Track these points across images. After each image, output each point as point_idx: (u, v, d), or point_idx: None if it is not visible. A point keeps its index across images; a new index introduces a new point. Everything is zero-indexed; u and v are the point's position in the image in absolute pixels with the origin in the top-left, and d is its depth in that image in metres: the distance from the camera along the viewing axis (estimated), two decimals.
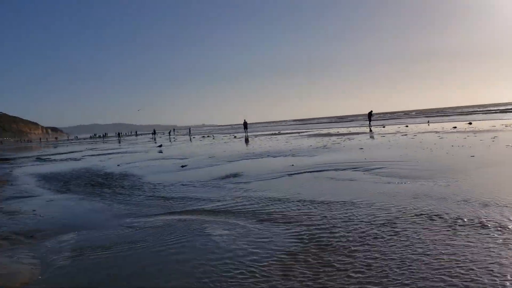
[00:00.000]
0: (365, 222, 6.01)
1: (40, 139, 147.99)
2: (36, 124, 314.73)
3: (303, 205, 7.39)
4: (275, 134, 43.45)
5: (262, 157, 17.15)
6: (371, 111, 45.09)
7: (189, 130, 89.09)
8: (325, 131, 39.90)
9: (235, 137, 43.13)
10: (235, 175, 12.02)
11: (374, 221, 6.01)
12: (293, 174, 11.55)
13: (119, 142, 56.97)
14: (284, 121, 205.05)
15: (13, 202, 10.05)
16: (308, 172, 11.66)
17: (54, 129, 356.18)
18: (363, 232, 5.52)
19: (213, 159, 17.70)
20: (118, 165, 18.66)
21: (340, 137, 27.36)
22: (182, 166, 15.72)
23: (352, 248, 4.91)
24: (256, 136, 41.53)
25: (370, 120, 44.23)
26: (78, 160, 24.60)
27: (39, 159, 28.36)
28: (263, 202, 7.91)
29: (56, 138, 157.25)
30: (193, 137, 53.50)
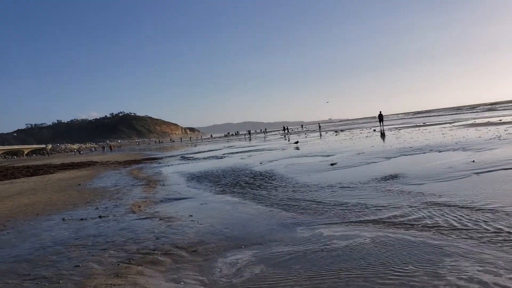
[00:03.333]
0: None
1: (181, 138, 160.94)
2: (176, 125, 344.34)
3: None
4: (418, 126, 39.45)
5: (424, 152, 14.73)
6: None
7: (319, 125, 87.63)
8: (478, 120, 34.76)
9: (374, 130, 40.28)
10: (395, 176, 10.07)
11: None
12: (481, 172, 9.17)
13: (250, 140, 57.97)
14: (405, 113, 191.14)
15: (168, 205, 9.55)
16: (503, 169, 9.16)
17: (192, 129, 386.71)
18: None
19: (364, 156, 15.80)
20: (260, 163, 17.91)
21: (509, 125, 23.05)
22: (331, 165, 14.16)
23: None
24: (396, 128, 38.17)
25: None
26: (220, 158, 24.72)
27: (183, 158, 29.46)
28: (464, 215, 5.90)
29: (190, 138, 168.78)
30: (325, 133, 51.73)
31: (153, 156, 35.90)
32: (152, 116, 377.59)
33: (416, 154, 14.61)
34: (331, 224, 6.33)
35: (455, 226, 5.52)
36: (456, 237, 5.09)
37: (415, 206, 6.82)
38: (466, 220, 5.72)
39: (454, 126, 30.78)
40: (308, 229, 6.17)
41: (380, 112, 43.55)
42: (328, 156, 17.78)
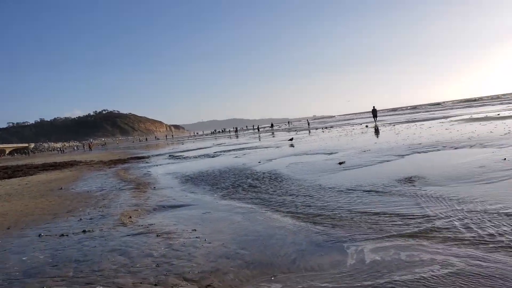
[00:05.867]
0: None
1: (166, 136, 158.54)
2: (161, 122, 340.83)
3: None
4: (411, 121, 38.55)
5: (438, 149, 13.57)
6: None
7: (308, 122, 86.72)
8: (475, 115, 33.91)
9: (367, 126, 39.24)
10: (422, 177, 8.88)
11: None
12: None
13: (237, 137, 56.60)
14: (400, 108, 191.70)
15: (164, 215, 8.16)
16: None
17: (177, 127, 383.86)
18: None
19: (372, 154, 14.59)
20: (259, 162, 16.59)
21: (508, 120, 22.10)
22: (340, 163, 12.92)
23: None
24: (390, 124, 37.18)
25: None
26: (213, 157, 23.31)
27: (172, 156, 27.95)
28: None
29: (172, 136, 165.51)
30: (315, 130, 50.58)
31: (139, 155, 34.24)
32: (136, 114, 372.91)
33: (430, 151, 13.46)
34: (374, 239, 5.05)
35: None
36: None
37: (466, 216, 5.58)
38: None
39: (452, 121, 29.86)
40: (350, 249, 4.87)
41: (374, 107, 42.60)
42: (331, 154, 16.55)
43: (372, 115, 43.03)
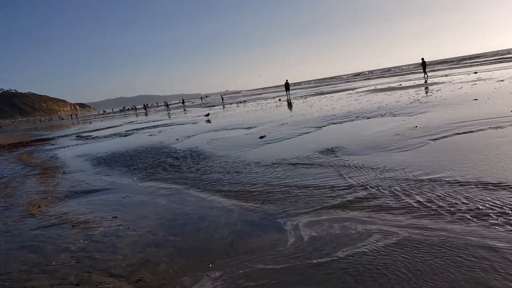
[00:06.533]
0: None
1: (71, 116, 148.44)
2: (64, 101, 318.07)
3: None
4: (319, 94, 39.93)
5: (351, 120, 14.05)
6: (423, 59, 38.37)
7: (221, 97, 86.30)
8: (379, 86, 35.95)
9: (280, 100, 39.86)
10: (342, 147, 9.08)
11: None
12: (437, 139, 8.47)
13: (146, 115, 54.72)
14: (306, 81, 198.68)
15: (78, 202, 7.41)
16: (456, 134, 8.56)
17: (82, 105, 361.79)
18: None
19: (290, 127, 14.70)
20: (176, 139, 15.98)
21: (415, 89, 23.65)
22: (261, 137, 12.82)
23: None
24: (302, 97, 38.14)
25: (424, 70, 38.04)
26: (125, 136, 22.09)
27: (80, 137, 26.06)
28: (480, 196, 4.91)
29: (76, 115, 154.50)
30: (230, 105, 50.44)
31: (43, 137, 31.47)
32: (36, 93, 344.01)
33: (344, 122, 13.88)
34: (310, 214, 4.94)
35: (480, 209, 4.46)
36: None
37: (392, 184, 5.70)
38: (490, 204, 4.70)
39: (359, 92, 31.34)
40: (287, 226, 4.70)
41: (287, 80, 43.31)
42: (250, 128, 16.44)
43: (285, 89, 43.76)
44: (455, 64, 74.46)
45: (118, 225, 5.62)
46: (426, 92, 20.67)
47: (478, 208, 4.44)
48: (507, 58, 61.60)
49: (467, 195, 4.88)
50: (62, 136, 29.69)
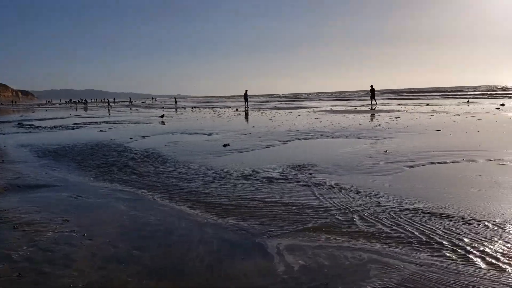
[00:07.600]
0: None
1: (12, 102, 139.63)
2: (6, 86, 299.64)
3: None
4: (275, 108, 39.89)
5: (316, 137, 13.74)
6: (372, 86, 38.97)
7: (175, 100, 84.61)
8: (335, 108, 36.40)
9: (237, 109, 39.38)
10: (306, 165, 8.62)
11: None
12: (411, 166, 8.25)
13: (85, 110, 52.40)
14: (254, 95, 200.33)
15: (20, 198, 6.44)
16: (431, 163, 8.40)
17: (25, 93, 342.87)
18: None
19: (254, 138, 14.16)
20: (130, 138, 15.01)
21: (373, 114, 23.98)
22: (224, 146, 12.21)
23: None
24: (260, 109, 37.87)
25: (373, 97, 38.47)
26: (73, 129, 20.67)
27: (22, 125, 24.18)
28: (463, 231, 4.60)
29: (15, 102, 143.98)
30: (184, 108, 49.34)
31: None
32: None
33: (310, 138, 13.56)
34: (294, 236, 4.40)
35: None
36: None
37: (383, 212, 5.31)
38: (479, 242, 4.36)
39: (317, 111, 31.47)
40: (272, 249, 4.13)
41: (246, 91, 42.83)
42: (210, 134, 15.77)
43: (244, 99, 43.28)
44: (404, 96, 77.59)
45: (71, 230, 4.79)
46: (386, 118, 20.93)
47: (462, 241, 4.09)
48: (450, 95, 65.11)
49: (464, 230, 4.55)
50: (1, 122, 27.45)
